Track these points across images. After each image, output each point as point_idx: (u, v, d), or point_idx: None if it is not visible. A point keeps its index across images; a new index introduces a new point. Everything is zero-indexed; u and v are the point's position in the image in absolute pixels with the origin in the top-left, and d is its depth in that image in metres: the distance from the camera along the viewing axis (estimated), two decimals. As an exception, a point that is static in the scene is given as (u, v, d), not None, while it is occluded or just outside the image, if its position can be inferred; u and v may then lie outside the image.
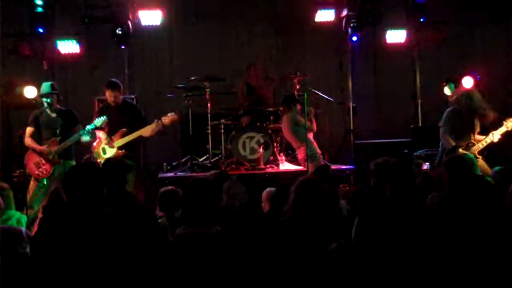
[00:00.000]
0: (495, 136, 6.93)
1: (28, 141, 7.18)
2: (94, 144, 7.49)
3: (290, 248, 3.65)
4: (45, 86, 7.21)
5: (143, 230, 3.46)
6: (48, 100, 7.13)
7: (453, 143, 6.89)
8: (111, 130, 7.40)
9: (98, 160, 7.26)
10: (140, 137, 7.49)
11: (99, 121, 7.13)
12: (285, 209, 3.99)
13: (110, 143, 7.33)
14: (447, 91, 10.11)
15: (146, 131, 7.43)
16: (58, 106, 7.29)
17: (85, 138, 7.15)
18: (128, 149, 7.38)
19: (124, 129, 7.36)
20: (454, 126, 7.01)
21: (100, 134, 7.39)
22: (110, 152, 7.32)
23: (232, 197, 5.07)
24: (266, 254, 3.67)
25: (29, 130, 7.20)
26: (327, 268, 2.99)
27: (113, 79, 7.64)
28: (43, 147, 7.07)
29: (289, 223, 3.86)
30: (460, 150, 6.80)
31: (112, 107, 7.50)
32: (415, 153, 8.89)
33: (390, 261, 2.84)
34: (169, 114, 7.51)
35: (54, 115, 7.20)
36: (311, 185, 3.98)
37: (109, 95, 7.47)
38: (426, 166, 8.11)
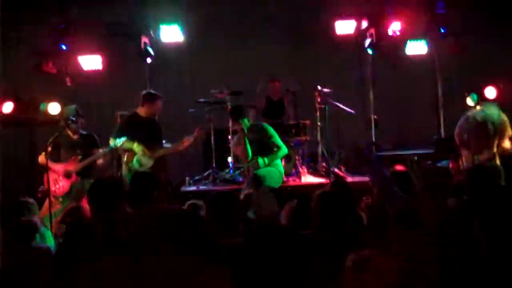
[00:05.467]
0: None
1: (44, 160, 6.89)
2: (124, 158, 7.37)
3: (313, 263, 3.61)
4: (70, 110, 7.27)
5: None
6: (74, 126, 7.18)
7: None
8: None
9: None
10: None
11: (119, 141, 7.13)
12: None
13: (148, 154, 7.30)
14: (469, 101, 10.02)
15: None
16: (80, 131, 7.35)
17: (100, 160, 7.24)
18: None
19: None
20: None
21: (134, 147, 7.25)
22: (147, 164, 7.28)
23: (259, 209, 4.83)
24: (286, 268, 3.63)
25: (48, 150, 7.13)
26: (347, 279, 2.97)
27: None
28: (62, 165, 7.11)
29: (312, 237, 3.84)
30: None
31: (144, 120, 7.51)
32: (437, 165, 8.80)
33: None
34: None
35: (76, 137, 7.27)
36: (330, 197, 3.97)
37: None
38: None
